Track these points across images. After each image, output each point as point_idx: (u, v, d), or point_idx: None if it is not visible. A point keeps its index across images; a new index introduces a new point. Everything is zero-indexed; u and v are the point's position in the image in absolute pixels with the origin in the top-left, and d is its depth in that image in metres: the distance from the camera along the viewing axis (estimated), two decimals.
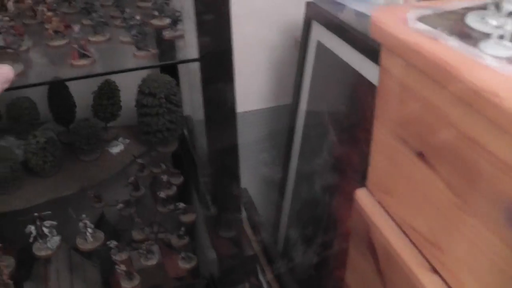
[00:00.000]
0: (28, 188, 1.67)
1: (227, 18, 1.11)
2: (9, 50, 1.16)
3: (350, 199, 1.65)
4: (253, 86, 2.03)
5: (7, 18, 1.19)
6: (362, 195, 1.32)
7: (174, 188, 1.72)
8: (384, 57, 1.12)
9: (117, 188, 1.81)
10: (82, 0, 1.47)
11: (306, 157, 1.91)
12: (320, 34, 1.79)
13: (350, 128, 1.67)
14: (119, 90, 1.80)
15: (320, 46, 1.78)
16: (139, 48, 1.25)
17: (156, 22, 1.39)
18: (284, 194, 2.04)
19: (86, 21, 1.41)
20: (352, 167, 1.65)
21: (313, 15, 1.80)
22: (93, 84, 1.76)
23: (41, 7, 1.37)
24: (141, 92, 1.73)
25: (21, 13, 1.41)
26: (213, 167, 1.32)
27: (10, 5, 1.27)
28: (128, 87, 1.77)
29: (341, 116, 1.72)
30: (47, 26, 1.35)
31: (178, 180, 1.75)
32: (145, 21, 1.29)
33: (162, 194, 1.64)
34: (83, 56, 1.23)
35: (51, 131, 1.79)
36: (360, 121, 1.61)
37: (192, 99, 1.90)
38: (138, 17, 1.26)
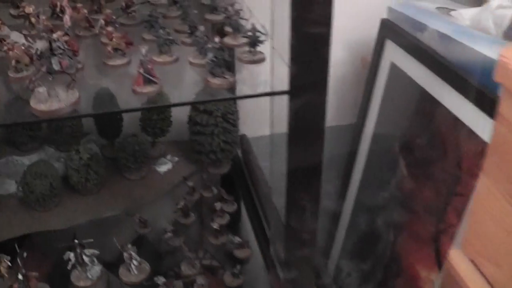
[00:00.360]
0: (67, 206, 1.52)
1: (327, 43, 0.92)
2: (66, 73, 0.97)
3: (420, 240, 1.47)
4: None
5: (60, 33, 1.00)
6: (457, 258, 1.14)
7: (227, 217, 1.54)
8: (506, 105, 0.92)
9: (163, 209, 1.63)
10: (143, 9, 1.28)
11: (368, 187, 1.72)
12: (394, 55, 1.59)
13: (425, 162, 1.48)
14: (166, 95, 1.60)
15: (394, 68, 1.59)
16: (213, 75, 1.05)
17: (229, 40, 1.19)
18: (339, 224, 1.85)
19: (148, 36, 1.22)
20: (424, 206, 1.47)
21: (388, 34, 1.61)
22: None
23: (100, 20, 1.17)
24: (195, 108, 1.55)
25: (75, 24, 1.22)
26: (289, 199, 1.12)
27: (67, 19, 1.08)
28: (174, 92, 1.57)
29: (414, 146, 1.53)
30: (104, 39, 1.16)
31: (231, 207, 1.57)
32: (222, 43, 1.08)
33: (215, 225, 1.46)
34: (148, 81, 1.04)
35: (94, 144, 1.62)
36: (439, 157, 1.42)
37: (250, 116, 1.70)
38: (217, 39, 1.06)
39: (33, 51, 0.93)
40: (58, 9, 1.23)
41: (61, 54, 0.95)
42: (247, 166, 1.69)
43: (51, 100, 0.96)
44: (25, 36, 1.04)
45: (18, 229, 1.45)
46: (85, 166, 1.47)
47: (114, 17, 1.21)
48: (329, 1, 0.93)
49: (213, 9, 1.32)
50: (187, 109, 1.57)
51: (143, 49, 1.03)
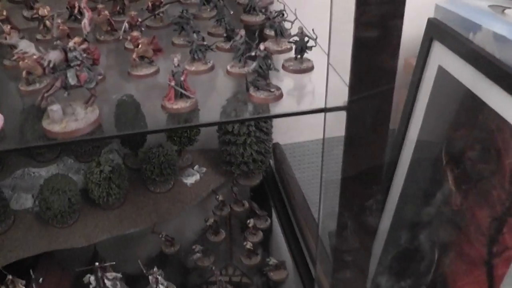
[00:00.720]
0: (88, 222, 1.37)
1: (396, 53, 0.75)
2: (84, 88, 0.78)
3: (470, 262, 1.29)
4: None
5: (78, 39, 0.82)
6: None
7: (260, 234, 1.35)
8: None
9: (189, 221, 1.46)
10: (172, 9, 1.09)
11: (409, 200, 1.53)
12: (442, 58, 1.40)
13: (477, 177, 1.29)
14: (199, 110, 1.42)
15: (442, 72, 1.40)
16: (257, 88, 0.86)
17: (271, 45, 0.99)
18: (375, 238, 1.66)
19: (178, 40, 1.03)
20: (475, 225, 1.28)
21: (435, 34, 1.41)
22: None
23: (124, 23, 0.98)
24: (226, 116, 1.36)
25: (96, 27, 1.03)
26: (340, 226, 0.94)
27: (86, 23, 0.89)
28: (209, 107, 1.39)
29: (464, 158, 1.34)
30: (128, 45, 0.98)
31: (264, 223, 1.39)
32: (268, 51, 0.87)
33: (249, 245, 1.28)
34: (181, 96, 0.85)
35: (117, 154, 1.44)
36: (492, 171, 1.23)
37: (282, 122, 1.51)
38: (262, 47, 0.85)
39: (45, 63, 0.74)
40: (76, 11, 1.04)
41: (78, 65, 0.77)
42: (280, 177, 1.51)
43: (66, 119, 0.78)
44: (37, 44, 0.85)
45: (34, 248, 1.30)
46: (107, 180, 1.31)
47: (139, 20, 1.02)
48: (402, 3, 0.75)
49: (251, 10, 1.12)
50: (217, 116, 1.39)
51: (175, 59, 0.84)
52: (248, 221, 1.35)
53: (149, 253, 1.38)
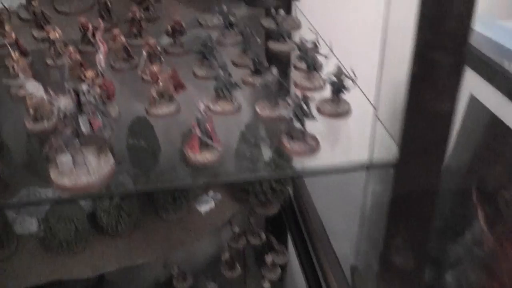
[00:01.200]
0: (95, 251, 1.28)
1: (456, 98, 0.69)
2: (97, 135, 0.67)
3: None
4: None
5: (92, 74, 0.71)
6: None
7: (279, 271, 1.25)
8: None
9: (203, 252, 1.36)
10: (191, 29, 0.98)
11: (434, 234, 1.42)
12: (474, 86, 1.29)
13: None
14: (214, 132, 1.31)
15: (474, 101, 1.29)
16: (291, 137, 0.74)
17: (302, 81, 0.88)
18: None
19: (200, 71, 0.92)
20: (509, 272, 1.17)
21: (467, 60, 1.29)
22: (182, 123, 1.29)
23: (142, 53, 0.87)
24: (244, 140, 1.25)
25: (110, 51, 0.92)
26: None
27: (100, 59, 0.77)
28: (224, 129, 1.28)
29: (497, 198, 1.23)
30: (145, 76, 0.87)
31: (282, 259, 1.28)
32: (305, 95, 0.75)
33: (267, 285, 1.17)
34: (206, 146, 0.74)
35: (127, 175, 1.33)
36: None
37: None
38: (298, 92, 0.73)
39: (56, 110, 0.63)
40: (90, 33, 0.93)
41: (91, 111, 0.65)
42: (299, 206, 1.40)
43: (77, 171, 0.67)
44: (47, 70, 0.75)
45: (37, 277, 1.20)
46: (117, 208, 1.22)
47: (159, 48, 0.90)
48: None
49: (279, 36, 1.00)
50: (234, 139, 1.28)
51: (202, 105, 0.73)
52: (266, 257, 1.25)
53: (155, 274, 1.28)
